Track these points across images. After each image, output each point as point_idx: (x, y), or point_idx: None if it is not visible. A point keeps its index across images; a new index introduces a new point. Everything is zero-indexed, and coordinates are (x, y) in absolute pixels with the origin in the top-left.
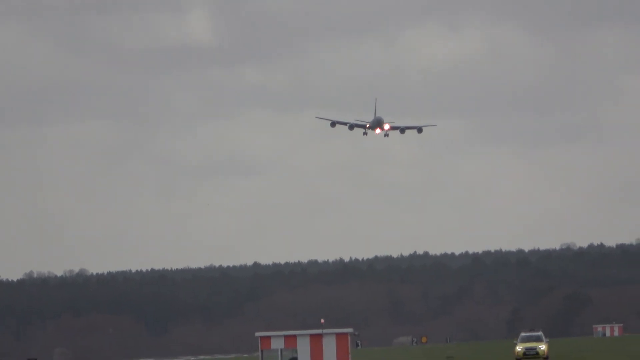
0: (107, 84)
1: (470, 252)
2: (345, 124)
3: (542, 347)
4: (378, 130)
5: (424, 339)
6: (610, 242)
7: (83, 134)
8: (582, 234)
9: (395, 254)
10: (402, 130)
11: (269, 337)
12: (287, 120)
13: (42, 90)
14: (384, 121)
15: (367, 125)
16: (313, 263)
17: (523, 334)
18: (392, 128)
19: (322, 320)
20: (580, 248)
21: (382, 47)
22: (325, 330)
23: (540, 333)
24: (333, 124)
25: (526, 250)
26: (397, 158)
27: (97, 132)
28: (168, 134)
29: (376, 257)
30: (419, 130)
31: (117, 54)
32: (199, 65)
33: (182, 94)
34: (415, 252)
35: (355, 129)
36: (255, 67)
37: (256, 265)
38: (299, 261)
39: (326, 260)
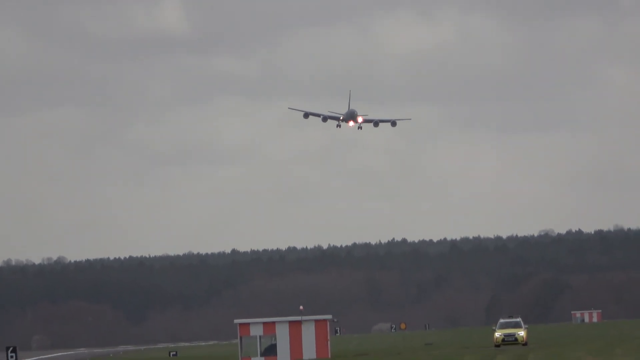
0: (79, 72)
1: (449, 238)
2: (318, 115)
3: (521, 333)
4: (352, 123)
5: (402, 326)
6: (589, 228)
7: (56, 122)
8: (560, 221)
9: (373, 241)
10: (376, 123)
11: (247, 324)
12: (260, 108)
13: (14, 79)
14: (358, 114)
15: (341, 118)
16: (292, 250)
17: (502, 320)
18: (366, 121)
19: (301, 307)
20: (559, 234)
21: (355, 35)
22: (304, 317)
23: (519, 319)
24: (306, 115)
25: (504, 236)
26: (372, 145)
27: (70, 120)
28: (141, 121)
29: (354, 244)
30: (393, 123)
31: (89, 42)
32: (172, 53)
33: (154, 82)
34: (393, 239)
35: (329, 120)
36: (227, 56)
37: (234, 252)
38: (277, 248)
39: (305, 247)
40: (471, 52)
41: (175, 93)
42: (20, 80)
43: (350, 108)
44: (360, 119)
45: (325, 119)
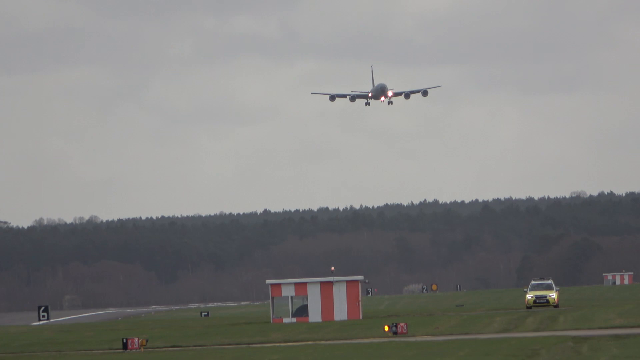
0: (100, 31)
1: (480, 200)
2: (345, 96)
3: (553, 295)
4: (382, 99)
5: (434, 287)
6: (620, 190)
7: (79, 81)
8: (592, 182)
9: (405, 202)
10: (407, 95)
11: (279, 285)
12: (281, 68)
13: (34, 37)
14: (387, 88)
15: (370, 95)
16: (323, 211)
17: (533, 282)
18: (395, 94)
19: (333, 268)
20: (590, 196)
21: None
22: (336, 278)
23: (550, 281)
24: (332, 97)
25: (536, 198)
26: (401, 107)
27: (91, 79)
28: (160, 80)
29: (386, 205)
30: (424, 93)
31: (110, 1)
32: (192, 12)
33: (175, 40)
34: (425, 200)
35: (357, 99)
36: (246, 16)
37: (266, 212)
38: (309, 209)
39: (336, 208)
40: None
41: (194, 52)
42: (41, 39)
43: (378, 83)
44: (390, 93)
45: (353, 98)
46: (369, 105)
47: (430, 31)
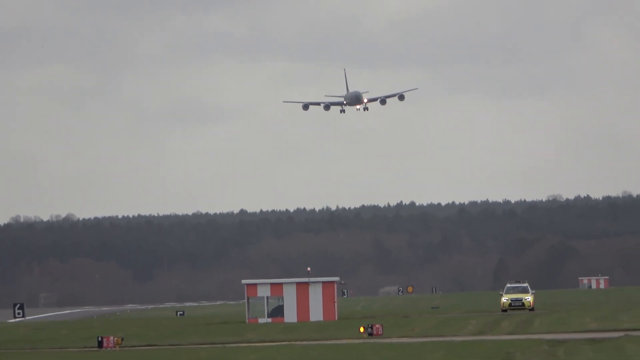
0: (71, 28)
1: (457, 202)
2: (318, 104)
3: (528, 298)
4: (358, 107)
5: (410, 289)
6: (597, 194)
7: (51, 78)
8: (568, 186)
9: (382, 203)
10: (383, 100)
11: (255, 285)
12: (252, 68)
13: (7, 34)
14: (362, 94)
15: (344, 102)
16: (300, 211)
17: (509, 285)
18: (371, 100)
19: (309, 269)
20: (567, 200)
21: None
22: (312, 279)
23: (526, 284)
24: (305, 106)
25: (512, 201)
26: (378, 109)
27: (62, 77)
28: (132, 79)
29: (363, 207)
30: (401, 97)
31: None
32: (163, 10)
33: (145, 39)
34: (401, 201)
35: (332, 107)
36: (218, 15)
37: (243, 212)
38: (286, 209)
39: (313, 208)
40: (465, 15)
41: (165, 51)
42: (12, 35)
43: (352, 90)
44: (365, 100)
45: (327, 107)
46: (344, 112)
47: (402, 32)
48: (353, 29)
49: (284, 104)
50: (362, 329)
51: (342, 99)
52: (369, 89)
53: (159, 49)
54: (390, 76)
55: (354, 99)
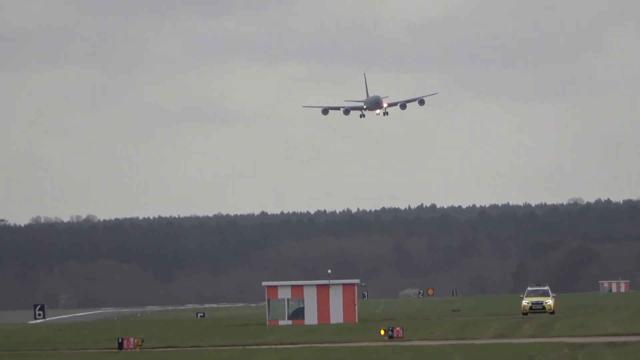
0: (89, 31)
1: (477, 205)
2: (338, 108)
3: (549, 301)
4: (377, 111)
5: (430, 292)
6: (618, 197)
7: (70, 79)
8: (589, 189)
9: (402, 206)
10: (403, 105)
11: (275, 287)
12: (269, 70)
13: (26, 35)
14: (382, 99)
15: (364, 107)
16: (321, 214)
17: (529, 289)
18: (390, 105)
19: (329, 271)
20: (588, 203)
21: None
22: (332, 281)
23: (546, 288)
24: (325, 110)
25: (533, 204)
26: (398, 114)
27: (87, 77)
28: (148, 81)
29: (383, 209)
30: (421, 102)
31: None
32: (180, 13)
33: (162, 41)
34: (422, 204)
35: (351, 112)
36: (234, 17)
37: (263, 214)
38: (306, 211)
39: (334, 211)
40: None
41: (182, 53)
42: (29, 38)
43: (373, 95)
44: (385, 105)
45: (347, 111)
46: (364, 117)
47: (420, 35)
48: (371, 32)
49: (303, 107)
50: (382, 332)
51: (362, 104)
52: (386, 93)
53: (176, 51)
54: (408, 79)
55: (374, 104)
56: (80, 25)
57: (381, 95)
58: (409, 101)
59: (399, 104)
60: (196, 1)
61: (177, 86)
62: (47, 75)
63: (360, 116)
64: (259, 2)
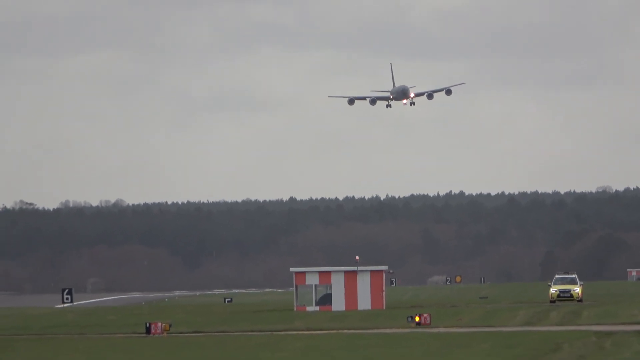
0: (123, 17)
1: (506, 192)
2: (364, 98)
3: (577, 289)
4: (404, 101)
5: (458, 279)
6: None
7: (101, 65)
8: (618, 178)
9: (431, 192)
10: (430, 95)
11: (303, 273)
12: (299, 57)
13: (56, 20)
14: (409, 89)
15: (390, 97)
16: (349, 200)
17: (557, 276)
18: (417, 95)
19: (357, 258)
20: (616, 191)
21: None
22: (360, 268)
23: (574, 275)
24: (351, 100)
25: (562, 192)
26: (425, 102)
27: (117, 63)
28: (180, 67)
29: (412, 196)
30: (448, 92)
31: None
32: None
33: (194, 28)
34: (450, 191)
35: (378, 102)
36: (265, 4)
37: (292, 200)
38: (335, 197)
39: (362, 197)
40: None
41: (213, 39)
42: (61, 24)
43: (399, 85)
44: (412, 94)
45: (373, 101)
46: (390, 107)
47: (449, 24)
48: (399, 20)
49: (329, 97)
50: (417, 318)
51: (388, 94)
52: (413, 82)
53: (206, 37)
54: (435, 68)
55: (401, 94)
56: (111, 12)
57: (408, 85)
58: (436, 91)
59: (425, 94)
60: None
61: (207, 72)
62: (78, 61)
63: (387, 106)
64: None
